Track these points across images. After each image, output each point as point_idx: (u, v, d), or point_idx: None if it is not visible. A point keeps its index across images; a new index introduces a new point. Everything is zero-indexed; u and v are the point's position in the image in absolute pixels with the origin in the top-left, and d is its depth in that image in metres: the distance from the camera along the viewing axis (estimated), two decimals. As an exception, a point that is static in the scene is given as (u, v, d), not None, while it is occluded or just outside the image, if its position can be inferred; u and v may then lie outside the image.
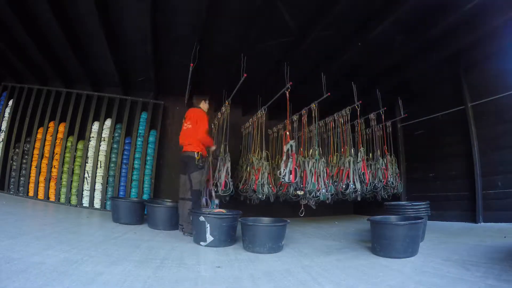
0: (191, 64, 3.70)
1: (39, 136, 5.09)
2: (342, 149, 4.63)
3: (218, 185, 4.20)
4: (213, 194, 3.93)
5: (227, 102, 4.42)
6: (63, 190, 4.91)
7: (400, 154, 5.51)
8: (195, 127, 3.52)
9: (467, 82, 4.41)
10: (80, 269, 1.85)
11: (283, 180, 3.70)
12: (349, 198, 4.43)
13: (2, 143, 5.03)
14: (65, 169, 4.97)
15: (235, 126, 5.39)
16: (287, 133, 3.94)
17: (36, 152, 5.03)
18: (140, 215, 3.98)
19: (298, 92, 3.93)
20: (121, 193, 5.04)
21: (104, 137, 5.19)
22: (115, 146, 5.20)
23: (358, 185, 4.26)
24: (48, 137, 5.08)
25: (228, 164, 4.42)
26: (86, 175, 4.97)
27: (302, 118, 4.51)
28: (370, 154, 4.83)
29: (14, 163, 5.02)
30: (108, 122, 5.28)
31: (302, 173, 3.85)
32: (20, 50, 4.45)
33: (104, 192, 4.97)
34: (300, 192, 3.87)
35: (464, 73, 4.44)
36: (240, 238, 3.00)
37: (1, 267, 1.73)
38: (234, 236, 3.07)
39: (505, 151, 3.90)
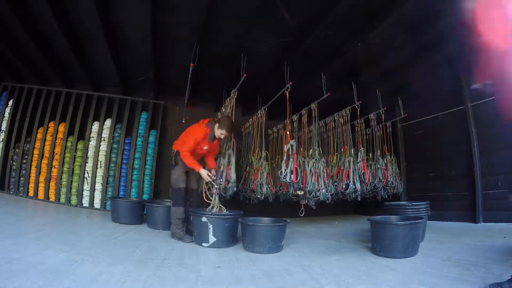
0: (191, 64, 3.69)
1: (39, 136, 5.08)
2: (342, 149, 4.63)
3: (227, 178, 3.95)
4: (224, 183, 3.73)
5: (232, 94, 4.17)
6: (63, 190, 4.91)
7: (400, 154, 5.49)
8: (183, 138, 3.42)
9: (467, 82, 4.40)
10: (80, 269, 1.85)
11: (284, 180, 3.69)
12: (349, 198, 4.42)
13: (2, 143, 5.03)
14: (65, 169, 4.97)
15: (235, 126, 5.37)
16: (287, 133, 3.93)
17: (36, 152, 5.02)
18: (139, 215, 3.99)
19: (298, 92, 3.93)
20: (121, 193, 5.04)
21: (104, 137, 5.18)
22: (115, 146, 5.20)
23: (358, 185, 4.26)
24: (48, 137, 5.07)
25: (233, 160, 4.23)
26: (86, 175, 4.97)
27: (302, 118, 4.51)
28: (370, 154, 4.82)
29: (14, 163, 5.02)
30: (108, 122, 5.28)
31: (302, 173, 3.84)
32: (20, 50, 4.45)
33: (104, 192, 4.97)
34: (300, 192, 3.86)
35: (464, 73, 4.43)
36: (240, 238, 3.00)
37: (1, 267, 1.73)
38: (236, 236, 3.07)
39: (505, 151, 3.89)
